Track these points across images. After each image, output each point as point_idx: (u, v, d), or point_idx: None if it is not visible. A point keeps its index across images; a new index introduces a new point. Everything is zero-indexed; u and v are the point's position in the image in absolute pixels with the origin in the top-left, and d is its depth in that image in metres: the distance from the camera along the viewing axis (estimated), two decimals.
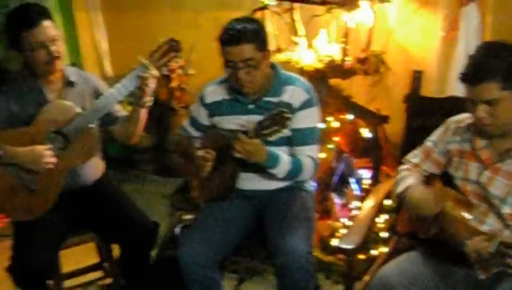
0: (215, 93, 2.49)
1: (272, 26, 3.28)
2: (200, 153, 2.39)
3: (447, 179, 2.10)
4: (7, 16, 2.53)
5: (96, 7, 4.53)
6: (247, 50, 2.23)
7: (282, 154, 2.31)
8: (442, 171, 2.15)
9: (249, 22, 2.30)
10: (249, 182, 2.45)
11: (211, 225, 2.39)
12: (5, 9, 4.23)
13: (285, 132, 2.19)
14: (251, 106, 2.40)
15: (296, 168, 2.33)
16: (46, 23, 2.45)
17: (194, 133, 2.60)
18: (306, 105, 2.36)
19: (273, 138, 2.19)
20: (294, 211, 2.37)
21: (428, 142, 2.17)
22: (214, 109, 2.49)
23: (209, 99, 2.50)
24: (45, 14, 2.48)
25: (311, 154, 2.38)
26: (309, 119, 2.37)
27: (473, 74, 1.84)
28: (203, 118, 2.54)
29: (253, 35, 2.25)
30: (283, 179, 2.37)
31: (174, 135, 2.73)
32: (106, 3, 4.54)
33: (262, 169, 2.34)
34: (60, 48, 2.50)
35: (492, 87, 1.79)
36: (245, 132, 2.20)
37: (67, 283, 2.89)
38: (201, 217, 2.50)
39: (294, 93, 2.36)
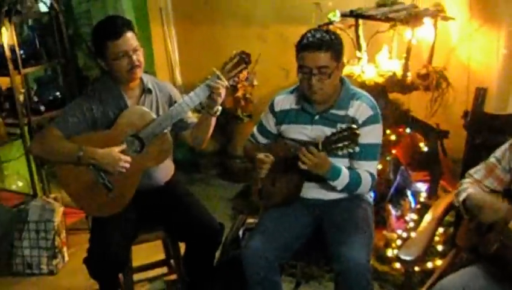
0: (284, 102, 2.47)
1: None
2: (259, 155, 2.37)
3: (510, 196, 1.99)
4: (94, 27, 2.60)
5: (170, 22, 4.60)
6: (323, 58, 2.21)
7: (344, 168, 2.27)
8: (504, 188, 2.05)
9: (327, 32, 2.29)
10: (311, 191, 2.41)
11: (273, 229, 2.36)
12: (89, 22, 4.42)
13: (354, 148, 2.15)
14: (317, 117, 2.36)
15: (355, 182, 2.29)
16: (129, 34, 2.50)
17: (261, 139, 2.59)
18: (370, 121, 2.31)
19: (341, 153, 2.16)
20: (354, 221, 2.33)
21: (492, 159, 2.08)
22: (282, 117, 2.47)
23: (277, 108, 2.48)
24: (129, 26, 2.53)
25: (371, 170, 2.33)
26: (372, 135, 2.31)
27: None
28: (271, 125, 2.53)
29: (331, 45, 2.23)
30: (341, 191, 2.32)
31: (246, 141, 2.71)
32: (179, 18, 4.59)
33: (323, 179, 2.30)
34: (140, 57, 2.54)
35: None
36: (315, 145, 2.16)
37: (136, 276, 2.94)
38: (264, 221, 2.47)
39: (360, 109, 2.32)
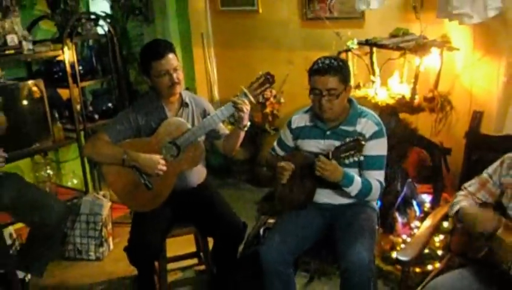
0: (300, 120, 2.51)
1: (353, 66, 3.26)
2: (281, 163, 2.40)
3: (500, 208, 2.01)
4: (141, 48, 2.67)
5: (210, 45, 4.64)
6: (332, 81, 2.26)
7: (356, 175, 2.31)
8: (495, 200, 2.06)
9: (335, 59, 2.34)
10: (324, 196, 2.44)
11: (289, 229, 2.40)
12: (141, 44, 4.48)
13: (359, 157, 2.20)
14: (328, 132, 2.40)
15: (366, 189, 2.32)
16: (171, 55, 2.55)
17: (280, 152, 2.61)
18: (376, 136, 2.35)
19: (348, 161, 2.21)
20: (360, 224, 2.36)
21: (485, 174, 2.10)
22: (298, 133, 2.50)
23: (294, 125, 2.52)
24: (171, 48, 2.59)
25: (379, 178, 2.36)
26: (378, 147, 2.35)
27: None
28: (289, 140, 2.56)
29: (338, 70, 2.28)
30: (355, 197, 2.35)
31: (267, 154, 2.73)
32: (218, 42, 4.63)
33: (337, 186, 2.33)
34: (180, 75, 2.59)
35: None
36: (326, 155, 2.22)
37: (170, 266, 2.97)
38: (281, 222, 2.51)
39: (366, 125, 2.36)
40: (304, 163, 2.39)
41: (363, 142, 2.16)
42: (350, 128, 2.37)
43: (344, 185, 2.29)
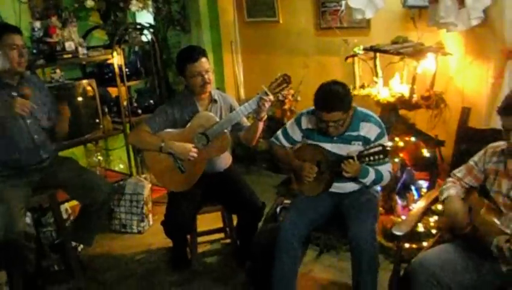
0: (310, 122, 2.43)
1: (358, 69, 3.27)
2: (307, 167, 2.36)
3: (484, 191, 2.02)
4: (178, 53, 2.71)
5: (238, 52, 4.63)
6: (337, 115, 2.21)
7: (371, 168, 2.31)
8: (480, 185, 2.06)
9: (338, 90, 2.22)
10: (333, 186, 2.42)
11: (304, 208, 2.40)
12: (178, 50, 4.57)
13: (385, 160, 2.23)
14: (335, 138, 2.36)
15: (378, 178, 2.35)
16: (204, 59, 2.59)
17: (285, 143, 2.54)
18: (379, 137, 2.34)
19: (372, 164, 2.23)
20: (364, 203, 2.38)
21: (471, 162, 2.10)
22: (308, 134, 2.45)
23: (304, 126, 2.45)
24: (203, 53, 2.62)
25: (389, 169, 2.39)
26: None
27: (509, 108, 1.78)
28: (297, 136, 2.50)
29: (343, 105, 2.21)
30: (369, 186, 2.37)
31: (270, 143, 2.64)
32: (244, 49, 4.62)
33: (353, 180, 2.36)
34: (210, 76, 2.63)
35: None
36: (351, 157, 2.22)
37: (200, 239, 3.03)
38: (297, 202, 2.49)
39: (370, 129, 2.33)
40: (323, 159, 2.35)
41: (388, 149, 2.18)
42: (355, 133, 2.34)
43: (361, 178, 2.30)
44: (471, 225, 1.94)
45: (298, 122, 2.49)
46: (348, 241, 2.26)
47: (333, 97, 2.20)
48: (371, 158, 2.20)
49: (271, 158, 3.84)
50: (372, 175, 2.31)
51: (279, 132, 2.58)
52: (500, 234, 1.81)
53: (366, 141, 2.33)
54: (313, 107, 2.37)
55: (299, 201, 2.48)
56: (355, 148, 2.32)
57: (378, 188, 2.59)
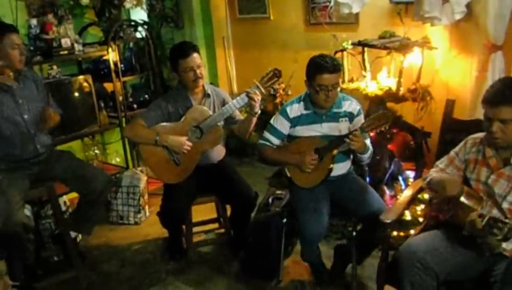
0: (296, 110, 2.43)
1: (347, 63, 3.27)
2: (308, 156, 2.34)
3: (465, 180, 2.02)
4: (170, 48, 2.70)
5: (230, 47, 4.63)
6: (337, 77, 2.29)
7: (366, 141, 2.34)
8: (460, 174, 2.06)
9: (332, 57, 2.34)
10: None
11: (316, 207, 2.34)
12: (171, 44, 4.52)
13: (386, 128, 2.25)
14: (324, 117, 2.39)
15: (370, 152, 2.39)
16: (195, 54, 2.58)
17: (276, 141, 2.47)
18: (360, 113, 2.42)
19: (371, 133, 2.29)
20: (361, 184, 2.47)
21: (452, 153, 2.10)
22: (296, 121, 2.43)
23: (291, 115, 2.42)
24: (195, 48, 2.62)
25: (369, 144, 2.40)
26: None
27: (493, 98, 1.80)
28: (285, 128, 2.45)
29: (338, 66, 2.33)
30: (366, 160, 2.40)
31: (260, 148, 2.52)
32: (236, 44, 4.62)
33: (347, 159, 2.44)
34: (202, 71, 2.62)
35: (507, 110, 1.76)
36: (354, 131, 2.24)
37: (195, 229, 3.02)
38: (300, 199, 2.42)
39: (351, 105, 2.41)
40: (320, 145, 2.35)
41: (389, 114, 2.23)
42: (340, 110, 2.40)
43: (363, 153, 2.33)
44: (452, 211, 1.95)
45: (284, 114, 2.45)
46: (358, 221, 2.39)
47: (330, 59, 2.29)
48: (373, 126, 2.22)
49: (263, 162, 3.84)
50: (369, 149, 2.35)
51: (265, 132, 2.51)
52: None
53: (350, 116, 2.39)
54: (294, 98, 2.45)
55: (302, 198, 2.41)
56: (344, 125, 2.38)
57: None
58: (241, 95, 2.58)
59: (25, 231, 2.42)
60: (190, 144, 2.59)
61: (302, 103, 2.44)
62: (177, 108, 2.67)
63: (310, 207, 2.34)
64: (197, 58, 2.60)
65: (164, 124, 2.64)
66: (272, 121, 2.50)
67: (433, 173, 2.11)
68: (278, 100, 4.06)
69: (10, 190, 2.45)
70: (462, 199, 1.88)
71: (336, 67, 2.27)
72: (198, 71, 2.59)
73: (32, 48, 3.22)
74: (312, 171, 2.38)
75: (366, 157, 2.37)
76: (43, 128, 2.61)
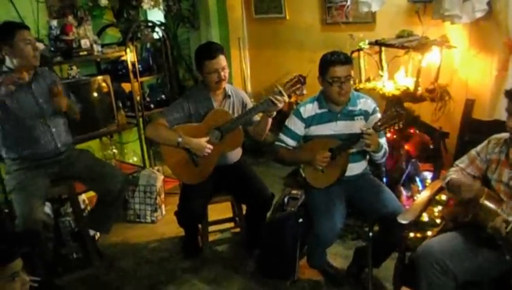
0: (310, 110, 2.43)
1: (364, 63, 3.25)
2: (319, 154, 2.32)
3: (485, 180, 1.99)
4: (197, 48, 2.67)
5: (245, 47, 4.65)
6: (349, 68, 2.29)
7: (380, 140, 2.31)
8: (481, 174, 2.03)
9: (341, 51, 2.36)
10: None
11: (331, 209, 2.32)
12: (188, 47, 4.52)
13: (399, 124, 2.22)
14: (339, 115, 2.37)
15: (385, 151, 2.37)
16: (221, 56, 2.57)
17: (290, 142, 2.47)
18: (376, 111, 2.40)
19: (385, 131, 2.26)
20: (377, 184, 2.44)
21: (473, 152, 2.07)
22: (310, 121, 2.42)
23: (305, 115, 2.42)
24: (221, 50, 2.60)
25: (384, 144, 2.38)
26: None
27: None
28: (300, 129, 2.45)
29: (350, 58, 2.34)
30: (380, 159, 2.38)
31: (276, 149, 2.52)
32: (251, 45, 4.64)
33: (362, 159, 2.41)
34: (226, 74, 2.61)
35: None
36: (369, 129, 2.22)
37: (210, 228, 3.03)
38: (316, 201, 2.41)
39: (366, 103, 2.40)
40: (334, 145, 2.33)
41: (402, 113, 2.20)
42: (355, 108, 2.38)
43: (377, 151, 2.30)
44: (473, 212, 1.91)
45: (298, 114, 2.45)
46: (374, 221, 2.38)
47: (342, 52, 2.31)
48: (388, 125, 2.20)
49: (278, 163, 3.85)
50: (383, 147, 2.33)
51: (280, 134, 2.51)
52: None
53: (365, 114, 2.37)
54: (308, 98, 2.45)
55: (317, 201, 2.39)
56: (359, 123, 2.35)
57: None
58: (263, 100, 2.54)
59: (44, 229, 2.44)
60: (211, 147, 2.59)
61: (316, 102, 2.44)
62: (198, 109, 2.66)
63: (323, 209, 2.33)
64: (223, 60, 2.59)
65: (186, 124, 2.64)
66: (286, 123, 2.50)
67: (452, 173, 2.08)
68: (293, 99, 4.00)
69: (31, 188, 2.48)
70: (483, 200, 1.85)
71: (347, 59, 2.29)
72: (222, 73, 2.58)
73: (52, 49, 3.25)
74: (327, 171, 2.36)
75: (379, 156, 2.35)
76: (56, 106, 2.57)
